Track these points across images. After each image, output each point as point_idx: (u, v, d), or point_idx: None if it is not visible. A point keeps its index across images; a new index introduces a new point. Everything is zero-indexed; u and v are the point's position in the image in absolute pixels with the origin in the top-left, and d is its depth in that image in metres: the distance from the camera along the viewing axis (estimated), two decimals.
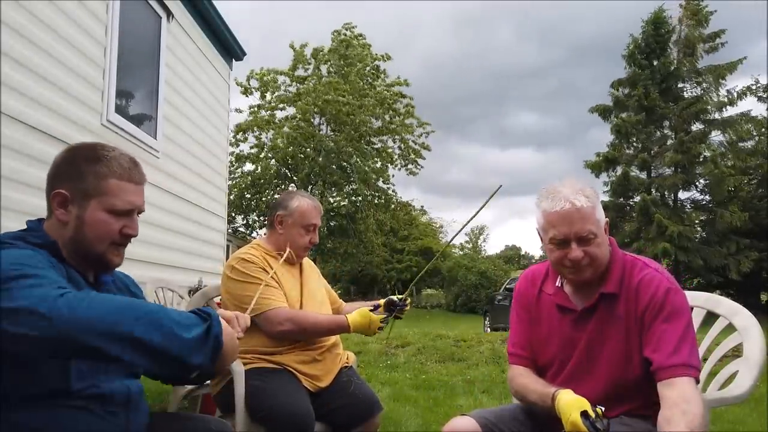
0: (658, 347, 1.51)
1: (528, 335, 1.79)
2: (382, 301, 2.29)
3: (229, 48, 6.80)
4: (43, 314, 1.01)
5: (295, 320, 2.18)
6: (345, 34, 21.81)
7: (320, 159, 20.62)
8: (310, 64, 21.61)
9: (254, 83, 21.03)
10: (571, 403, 1.46)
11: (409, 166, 22.32)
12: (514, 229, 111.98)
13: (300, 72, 21.56)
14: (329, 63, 21.55)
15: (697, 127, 21.64)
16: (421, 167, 22.41)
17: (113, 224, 1.35)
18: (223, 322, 1.18)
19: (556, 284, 1.72)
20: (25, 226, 1.36)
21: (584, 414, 1.43)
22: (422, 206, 45.31)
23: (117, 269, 1.46)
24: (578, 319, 1.66)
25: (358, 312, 2.27)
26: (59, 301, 1.03)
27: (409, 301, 2.33)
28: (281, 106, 21.18)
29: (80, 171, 1.34)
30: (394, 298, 2.29)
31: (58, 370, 1.22)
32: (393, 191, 23.27)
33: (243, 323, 1.31)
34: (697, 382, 1.49)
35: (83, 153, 1.38)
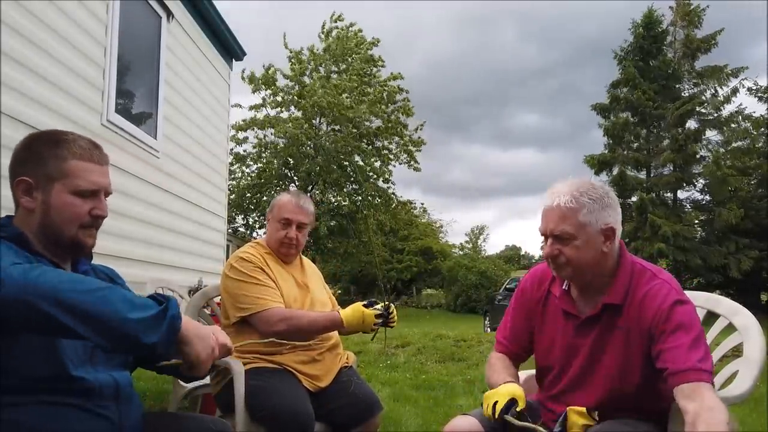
0: (669, 358, 1.46)
1: (516, 330, 1.81)
2: (380, 305, 2.27)
3: (229, 48, 6.80)
4: None
5: (289, 321, 2.17)
6: (337, 27, 21.55)
7: (319, 158, 20.59)
8: (308, 66, 21.42)
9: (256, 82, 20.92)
10: (494, 392, 1.58)
11: (411, 162, 22.10)
12: (515, 229, 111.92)
13: (303, 77, 21.41)
14: (324, 63, 21.32)
15: (692, 125, 21.65)
16: (418, 163, 22.14)
17: (80, 206, 1.34)
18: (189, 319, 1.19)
19: (563, 287, 1.71)
20: None
21: (510, 402, 1.53)
22: (422, 204, 45.28)
23: (101, 263, 1.46)
24: (581, 326, 1.65)
25: (350, 307, 2.26)
26: (11, 268, 1.05)
27: (392, 309, 2.27)
28: (283, 106, 21.07)
29: (41, 156, 1.35)
30: (378, 306, 2.26)
31: (50, 358, 1.22)
32: (393, 191, 23.18)
33: (222, 339, 1.30)
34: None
35: (42, 138, 1.40)
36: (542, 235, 1.63)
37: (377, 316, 2.22)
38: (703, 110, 21.38)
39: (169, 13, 5.10)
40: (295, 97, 20.57)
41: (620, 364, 1.58)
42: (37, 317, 1.04)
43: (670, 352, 1.46)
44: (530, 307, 1.79)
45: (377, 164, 21.80)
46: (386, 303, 2.28)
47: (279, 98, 20.92)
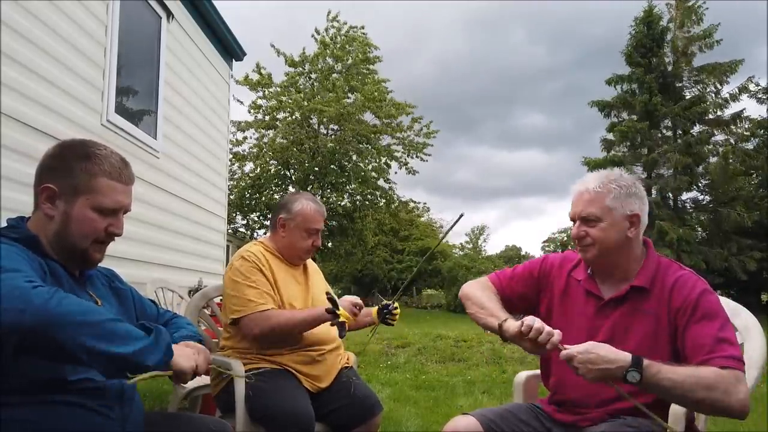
0: (695, 351, 1.51)
1: (522, 289, 1.85)
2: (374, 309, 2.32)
3: (229, 48, 6.80)
4: (16, 305, 1.04)
5: (269, 321, 2.14)
6: (334, 25, 21.26)
7: (319, 158, 20.55)
8: (303, 69, 21.15)
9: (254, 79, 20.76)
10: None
11: (412, 161, 21.82)
12: (518, 230, 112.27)
13: (302, 81, 21.22)
14: (323, 62, 21.06)
15: (699, 128, 21.59)
16: (428, 156, 21.81)
17: (99, 222, 1.36)
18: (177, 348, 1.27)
19: (588, 272, 1.76)
20: (5, 224, 1.37)
21: None
22: (425, 203, 45.10)
23: (100, 264, 1.47)
24: (603, 307, 1.69)
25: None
26: (33, 293, 1.07)
27: (397, 306, 2.34)
28: (282, 105, 20.92)
29: (70, 167, 1.35)
30: (385, 302, 2.31)
31: (50, 363, 1.23)
32: (393, 190, 23.01)
33: (202, 362, 1.35)
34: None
35: (74, 149, 1.39)
36: (571, 219, 1.73)
37: (380, 310, 2.28)
38: (708, 108, 21.28)
39: (169, 14, 5.10)
40: (291, 99, 20.43)
41: (647, 347, 1.58)
42: (49, 344, 1.07)
43: (696, 348, 1.51)
44: (546, 278, 1.83)
45: (378, 163, 21.61)
46: (393, 300, 2.33)
47: (272, 101, 20.76)
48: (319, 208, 2.39)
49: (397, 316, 2.38)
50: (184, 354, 1.29)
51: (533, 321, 1.52)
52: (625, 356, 1.44)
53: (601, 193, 1.66)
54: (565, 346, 1.49)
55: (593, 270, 1.75)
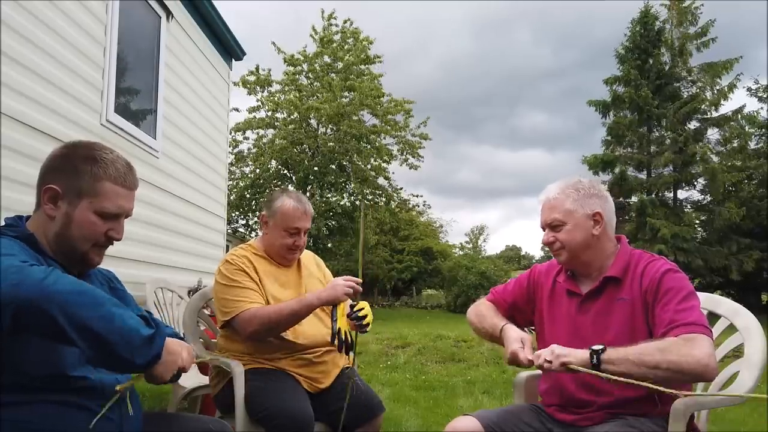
0: (659, 326, 1.59)
1: (513, 299, 1.95)
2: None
3: (229, 48, 6.79)
4: (11, 279, 1.03)
5: (259, 317, 2.10)
6: (331, 23, 21.15)
7: (318, 158, 20.54)
8: (303, 68, 21.05)
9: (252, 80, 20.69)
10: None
11: (410, 159, 21.78)
12: (519, 229, 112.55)
13: (303, 80, 21.16)
14: (320, 60, 20.95)
15: (693, 125, 21.59)
16: (422, 158, 21.80)
17: (100, 226, 1.36)
18: (169, 342, 1.23)
19: (567, 273, 1.85)
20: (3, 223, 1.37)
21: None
22: (425, 201, 44.95)
23: (100, 265, 1.47)
24: (583, 302, 1.77)
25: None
26: (29, 269, 1.06)
27: (363, 307, 2.15)
28: (279, 106, 20.86)
29: (76, 169, 1.35)
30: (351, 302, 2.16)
31: (50, 357, 1.22)
32: (393, 188, 22.97)
33: (186, 356, 1.30)
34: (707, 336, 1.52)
35: (81, 152, 1.39)
36: (542, 228, 1.84)
37: (350, 314, 2.13)
38: (704, 107, 21.28)
39: (169, 13, 5.10)
40: (292, 98, 20.37)
41: (627, 336, 1.64)
42: (44, 322, 1.05)
43: (659, 322, 1.59)
44: (534, 286, 1.92)
45: (377, 162, 21.58)
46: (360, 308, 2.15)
47: (273, 100, 20.67)
48: (299, 206, 2.30)
49: (368, 319, 2.15)
50: (170, 354, 1.23)
51: (512, 344, 1.66)
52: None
53: (560, 198, 1.78)
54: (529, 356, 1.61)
55: (572, 272, 1.84)
